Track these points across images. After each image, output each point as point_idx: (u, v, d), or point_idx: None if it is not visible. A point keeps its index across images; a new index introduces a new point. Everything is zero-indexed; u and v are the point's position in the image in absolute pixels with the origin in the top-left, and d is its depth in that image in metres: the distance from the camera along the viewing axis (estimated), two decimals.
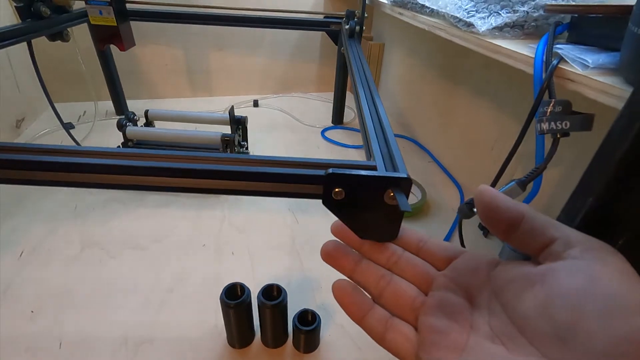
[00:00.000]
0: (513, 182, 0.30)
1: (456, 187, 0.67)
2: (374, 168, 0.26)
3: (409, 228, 0.23)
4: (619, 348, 0.14)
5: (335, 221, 0.24)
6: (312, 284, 0.46)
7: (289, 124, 0.89)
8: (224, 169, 0.25)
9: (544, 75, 0.30)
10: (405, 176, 0.24)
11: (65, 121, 0.74)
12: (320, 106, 0.99)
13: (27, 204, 0.57)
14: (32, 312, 0.41)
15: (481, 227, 0.56)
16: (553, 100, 0.28)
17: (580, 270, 0.16)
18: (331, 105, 0.90)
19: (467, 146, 0.66)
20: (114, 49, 0.78)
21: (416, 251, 0.24)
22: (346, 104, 0.89)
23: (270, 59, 0.99)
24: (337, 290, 0.22)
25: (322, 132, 0.85)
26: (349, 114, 0.93)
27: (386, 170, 0.26)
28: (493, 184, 0.36)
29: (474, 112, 0.63)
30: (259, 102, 0.98)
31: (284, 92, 1.05)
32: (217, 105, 0.95)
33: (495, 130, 0.58)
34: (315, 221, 0.57)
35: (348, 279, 0.23)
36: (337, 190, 0.24)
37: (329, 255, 0.24)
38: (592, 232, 0.23)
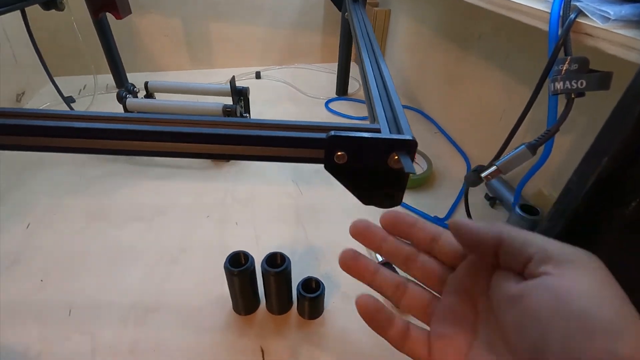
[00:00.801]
0: (523, 146, 0.29)
1: (463, 158, 0.65)
2: (377, 131, 0.25)
3: (424, 220, 0.22)
4: None
5: (354, 222, 0.23)
6: (317, 253, 0.46)
7: (292, 96, 0.87)
8: (224, 132, 0.24)
9: (559, 32, 0.28)
10: (411, 138, 0.23)
11: (65, 95, 0.73)
12: (324, 77, 0.96)
13: (31, 177, 0.57)
14: (41, 280, 0.42)
15: (487, 197, 0.55)
16: (569, 57, 0.27)
17: (550, 289, 0.15)
18: (335, 76, 0.88)
19: (475, 116, 0.64)
20: (110, 19, 0.76)
21: (429, 247, 0.23)
22: (351, 75, 0.87)
23: (271, 28, 0.96)
24: (362, 308, 0.22)
25: (326, 103, 0.83)
26: (354, 85, 0.91)
27: (390, 133, 0.25)
28: (501, 151, 0.35)
29: (482, 81, 0.61)
30: (261, 73, 0.96)
31: (287, 63, 1.02)
32: (219, 77, 0.92)
33: (504, 99, 0.56)
34: (319, 192, 0.57)
35: (369, 295, 0.23)
36: (339, 153, 0.24)
37: (348, 265, 0.23)
38: (604, 195, 0.22)
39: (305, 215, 0.52)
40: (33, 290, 0.41)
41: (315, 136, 0.24)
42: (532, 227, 0.37)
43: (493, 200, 0.55)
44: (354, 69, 0.89)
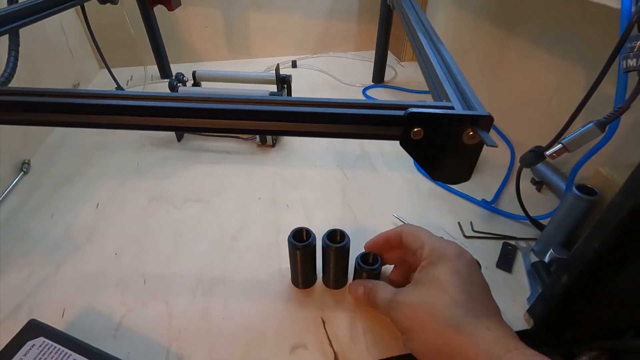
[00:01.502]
0: (592, 124, 0.29)
1: (506, 144, 0.65)
2: (451, 108, 0.26)
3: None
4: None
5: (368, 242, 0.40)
6: (367, 233, 0.48)
7: (329, 84, 0.88)
8: (305, 110, 0.26)
9: (633, 8, 0.28)
10: (487, 114, 0.24)
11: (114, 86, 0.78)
12: (359, 65, 0.97)
13: (93, 163, 0.62)
14: (115, 254, 0.45)
15: (534, 182, 0.55)
16: None
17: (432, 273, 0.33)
18: (370, 64, 0.88)
19: (520, 101, 0.63)
20: (157, 11, 0.79)
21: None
22: (387, 63, 0.87)
23: (306, 17, 0.97)
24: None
25: (364, 90, 0.84)
26: (389, 73, 0.91)
27: (464, 110, 0.26)
28: (561, 132, 0.35)
29: (529, 64, 0.60)
30: (297, 62, 0.97)
31: (322, 52, 1.03)
32: (256, 66, 0.95)
33: (553, 81, 0.55)
34: (363, 176, 0.58)
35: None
36: (416, 130, 0.25)
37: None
38: None
39: (353, 198, 0.54)
40: (109, 262, 0.45)
41: (394, 113, 0.25)
42: (590, 207, 0.37)
43: (540, 184, 0.55)
44: (389, 57, 0.89)
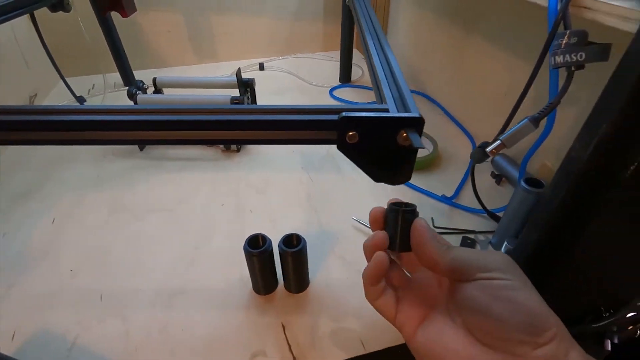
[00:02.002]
0: (526, 119, 0.30)
1: (468, 138, 0.66)
2: (386, 110, 0.26)
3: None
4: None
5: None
6: (330, 237, 0.48)
7: (297, 86, 0.88)
8: (239, 118, 0.26)
9: (559, 6, 0.29)
10: (418, 115, 0.24)
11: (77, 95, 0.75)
12: (327, 65, 0.97)
13: (51, 176, 0.60)
14: (71, 270, 0.44)
15: (493, 175, 0.57)
16: (568, 31, 0.28)
17: (501, 288, 0.23)
18: (338, 64, 0.88)
19: (479, 96, 0.65)
20: (115, 17, 0.77)
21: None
22: (353, 62, 0.87)
23: (273, 19, 0.97)
24: (379, 258, 0.27)
25: (331, 91, 0.84)
26: (357, 72, 0.92)
27: (398, 112, 0.26)
28: (505, 126, 0.36)
29: (485, 61, 0.61)
30: (265, 65, 0.96)
31: (289, 54, 1.03)
32: (223, 70, 0.94)
33: (507, 77, 0.57)
34: (328, 178, 0.58)
35: (384, 254, 0.28)
36: (350, 133, 0.25)
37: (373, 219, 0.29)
38: (605, 159, 0.23)
39: (317, 201, 0.54)
40: (65, 280, 0.43)
41: (328, 118, 0.25)
42: (537, 199, 0.39)
43: (499, 177, 0.56)
44: (356, 56, 0.89)
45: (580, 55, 0.27)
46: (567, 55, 0.28)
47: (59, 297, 0.41)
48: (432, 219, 0.50)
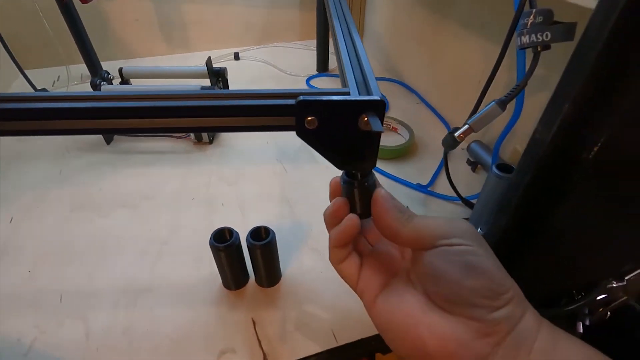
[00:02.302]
0: (493, 102, 0.30)
1: (444, 126, 0.66)
2: (347, 94, 0.25)
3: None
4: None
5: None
6: (304, 229, 0.47)
7: (273, 75, 0.86)
8: (191, 104, 0.24)
9: None
10: (378, 98, 0.23)
11: (38, 87, 0.71)
12: (304, 54, 0.95)
13: (11, 172, 0.56)
14: (29, 271, 0.42)
15: (469, 162, 0.56)
16: (534, 10, 0.27)
17: (460, 253, 0.22)
18: (314, 53, 0.86)
19: (455, 83, 0.64)
20: (78, 5, 0.73)
21: None
22: (330, 50, 0.86)
23: (247, 7, 0.94)
24: (349, 222, 0.27)
25: (307, 80, 0.82)
26: (334, 61, 0.90)
27: (359, 95, 0.25)
28: (474, 110, 0.36)
29: (460, 47, 0.61)
30: (240, 54, 0.94)
31: (265, 43, 1.00)
32: (197, 60, 0.90)
33: (482, 64, 0.56)
34: (303, 169, 0.57)
35: (356, 216, 0.27)
36: (309, 119, 0.24)
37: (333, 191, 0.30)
38: (567, 139, 0.22)
39: (291, 192, 0.53)
40: (22, 281, 0.41)
41: (285, 102, 0.24)
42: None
43: (474, 164, 0.56)
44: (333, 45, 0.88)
45: (546, 35, 0.26)
46: (533, 35, 0.27)
47: (15, 300, 0.39)
48: (407, 207, 0.49)
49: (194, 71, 0.64)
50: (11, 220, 0.48)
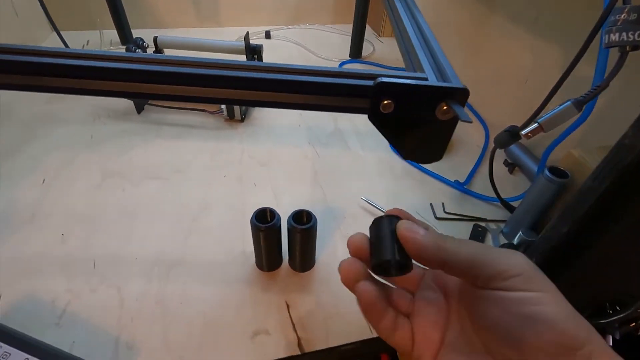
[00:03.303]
0: (569, 102, 0.28)
1: (481, 124, 0.64)
2: (424, 79, 0.23)
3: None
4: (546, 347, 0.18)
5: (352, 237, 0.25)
6: (336, 214, 0.46)
7: (304, 57, 0.84)
8: (260, 76, 0.23)
9: None
10: (463, 86, 0.22)
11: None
12: (336, 38, 0.93)
13: (41, 134, 0.56)
14: (62, 234, 0.41)
15: (506, 163, 0.55)
16: (628, 6, 0.25)
17: (524, 302, 0.19)
18: (348, 38, 0.84)
19: (496, 80, 0.62)
20: None
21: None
22: (365, 37, 0.83)
23: None
24: (363, 296, 0.23)
25: (340, 65, 0.80)
26: (368, 48, 0.88)
27: (438, 81, 0.23)
28: (535, 114, 0.34)
29: (507, 43, 0.58)
30: (271, 33, 0.92)
31: (297, 23, 0.98)
32: (227, 36, 0.89)
33: (530, 62, 0.54)
34: (335, 154, 0.56)
35: (370, 282, 0.23)
36: (385, 102, 0.23)
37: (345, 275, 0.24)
38: None
39: (323, 177, 0.52)
40: (54, 244, 0.41)
41: (362, 83, 0.22)
42: (560, 189, 0.37)
43: (512, 166, 0.54)
44: (367, 32, 0.85)
45: (639, 35, 0.25)
46: (624, 34, 0.25)
47: (48, 262, 0.39)
48: (442, 204, 0.48)
49: (230, 46, 0.62)
50: (43, 182, 0.48)
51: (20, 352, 0.27)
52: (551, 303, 0.18)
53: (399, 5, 0.35)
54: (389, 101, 0.22)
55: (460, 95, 0.22)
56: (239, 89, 0.24)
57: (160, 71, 0.23)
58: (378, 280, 0.25)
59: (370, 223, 0.25)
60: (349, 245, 0.24)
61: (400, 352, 0.24)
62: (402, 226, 0.22)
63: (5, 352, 0.27)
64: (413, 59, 0.28)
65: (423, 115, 0.23)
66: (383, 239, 0.23)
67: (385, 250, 0.23)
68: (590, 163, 0.35)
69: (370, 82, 0.22)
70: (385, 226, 0.23)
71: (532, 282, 0.19)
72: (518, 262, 0.20)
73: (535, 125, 0.31)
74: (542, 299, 0.18)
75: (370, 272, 0.24)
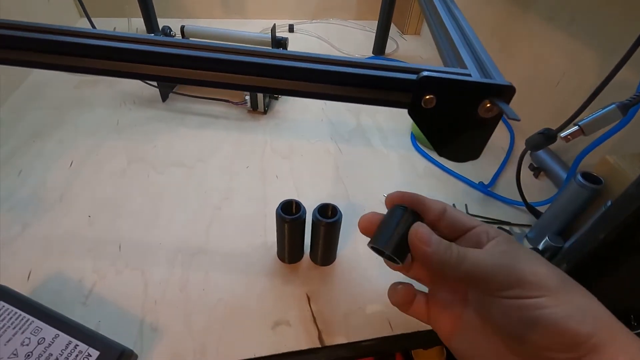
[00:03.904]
0: (613, 105, 0.27)
1: (505, 126, 0.63)
2: (468, 75, 0.23)
3: (429, 199, 0.28)
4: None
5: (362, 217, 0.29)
6: (357, 210, 0.46)
7: (327, 52, 0.83)
8: (300, 65, 0.23)
9: None
10: (509, 84, 0.21)
11: None
12: (360, 34, 0.92)
13: (68, 118, 0.57)
14: (89, 216, 0.42)
15: (532, 167, 0.54)
16: None
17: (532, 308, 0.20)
18: (371, 35, 0.83)
19: (527, 82, 0.61)
20: None
21: (434, 224, 0.27)
22: (390, 34, 0.82)
23: None
24: (401, 295, 0.28)
25: None
26: (391, 45, 0.87)
27: (482, 78, 0.23)
28: (574, 116, 0.33)
29: (539, 44, 0.57)
30: (294, 27, 0.91)
31: (321, 18, 0.97)
32: (251, 27, 0.89)
33: (563, 64, 0.52)
34: (358, 151, 0.56)
35: (409, 287, 0.28)
36: (428, 97, 0.22)
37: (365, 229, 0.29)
38: None
39: (345, 172, 0.51)
40: (82, 225, 0.41)
41: (405, 77, 0.22)
42: (593, 196, 0.36)
43: (538, 170, 0.53)
44: (391, 30, 0.84)
45: None
46: None
47: (76, 242, 0.39)
48: (465, 205, 0.48)
49: (256, 38, 0.62)
50: (71, 165, 0.49)
51: (51, 327, 0.28)
52: (550, 306, 0.20)
53: (436, 1, 0.35)
54: (431, 96, 0.22)
55: (506, 92, 0.21)
56: (275, 78, 0.24)
57: (192, 55, 0.23)
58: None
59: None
60: (360, 222, 0.28)
61: (417, 318, 0.28)
62: (414, 233, 0.24)
63: (37, 327, 0.28)
64: (453, 53, 0.27)
65: (465, 112, 0.23)
66: (392, 229, 0.25)
67: (389, 240, 0.25)
68: (627, 170, 0.34)
69: (413, 76, 0.22)
70: (402, 219, 0.26)
71: (530, 288, 0.20)
72: (515, 271, 0.21)
73: (576, 128, 0.30)
74: (542, 304, 0.20)
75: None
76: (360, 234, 0.29)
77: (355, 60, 0.24)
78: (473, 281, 0.22)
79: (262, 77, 0.24)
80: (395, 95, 0.23)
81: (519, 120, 0.19)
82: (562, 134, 0.30)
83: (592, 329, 0.19)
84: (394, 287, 0.29)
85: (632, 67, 0.32)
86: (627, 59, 0.28)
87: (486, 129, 0.23)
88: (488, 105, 0.22)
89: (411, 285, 0.29)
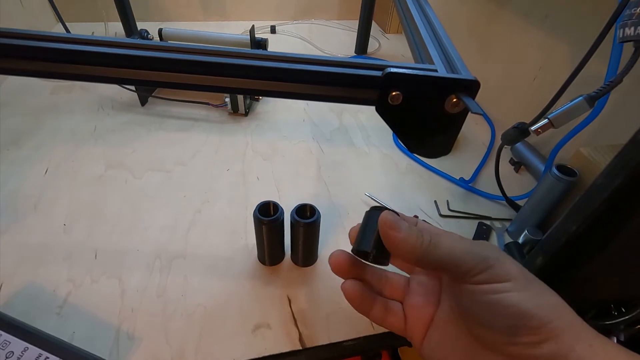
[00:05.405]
0: (581, 97, 0.28)
1: (487, 122, 0.63)
2: (434, 71, 0.23)
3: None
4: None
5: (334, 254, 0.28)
6: (340, 211, 0.46)
7: (309, 53, 0.83)
8: (268, 65, 0.22)
9: None
10: (473, 78, 0.22)
11: None
12: (342, 34, 0.92)
13: (44, 124, 0.56)
14: (64, 225, 0.41)
15: (512, 162, 0.54)
16: None
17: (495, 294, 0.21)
18: (353, 34, 0.84)
19: (505, 78, 0.61)
20: None
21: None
22: (371, 33, 0.83)
23: None
24: (348, 293, 0.27)
25: None
26: (373, 44, 0.87)
27: (448, 73, 0.23)
28: (545, 110, 0.33)
29: (515, 39, 0.57)
30: (276, 28, 0.91)
31: (303, 19, 0.97)
32: (232, 30, 0.88)
33: (539, 59, 0.53)
34: (341, 152, 0.56)
35: (354, 281, 0.28)
36: (394, 93, 0.22)
37: (338, 267, 0.28)
38: None
39: (327, 172, 0.51)
40: (57, 234, 0.40)
41: (370, 74, 0.22)
42: (568, 188, 0.36)
43: (518, 165, 0.54)
44: (373, 28, 0.84)
45: None
46: (639, 28, 0.24)
47: (50, 251, 0.39)
48: (447, 201, 0.48)
49: (235, 39, 0.62)
50: (46, 172, 0.48)
51: (20, 340, 0.27)
52: (514, 289, 0.21)
53: (408, 0, 0.35)
54: (397, 92, 0.22)
55: (470, 87, 0.21)
56: (246, 77, 0.24)
57: (167, 58, 0.23)
58: (372, 268, 0.29)
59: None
60: (350, 234, 0.28)
61: (395, 332, 0.28)
62: (383, 221, 0.24)
63: (5, 340, 0.27)
64: (422, 51, 0.27)
65: (432, 107, 0.23)
66: (367, 229, 0.26)
67: (367, 241, 0.25)
68: (600, 162, 0.35)
69: (378, 73, 0.22)
70: (373, 218, 0.26)
71: (496, 274, 0.21)
72: (484, 258, 0.22)
73: (546, 121, 0.30)
74: (504, 288, 0.21)
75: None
76: (343, 233, 0.29)
77: (326, 59, 0.24)
78: (446, 267, 0.22)
79: (230, 78, 0.24)
80: (362, 92, 0.23)
81: (481, 114, 0.19)
82: (533, 128, 0.31)
83: (550, 313, 0.20)
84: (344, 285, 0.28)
85: (603, 60, 0.32)
86: (592, 52, 0.29)
87: (454, 124, 0.23)
88: (454, 100, 0.22)
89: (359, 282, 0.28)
